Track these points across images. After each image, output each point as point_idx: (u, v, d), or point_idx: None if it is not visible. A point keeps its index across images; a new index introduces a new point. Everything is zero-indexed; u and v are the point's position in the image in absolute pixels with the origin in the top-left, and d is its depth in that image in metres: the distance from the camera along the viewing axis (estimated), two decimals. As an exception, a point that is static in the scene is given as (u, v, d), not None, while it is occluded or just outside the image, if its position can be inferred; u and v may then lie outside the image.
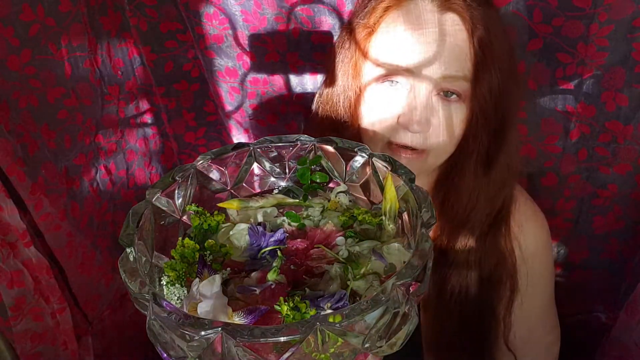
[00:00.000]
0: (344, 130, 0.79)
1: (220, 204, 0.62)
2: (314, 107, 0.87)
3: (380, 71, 0.74)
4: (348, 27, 0.80)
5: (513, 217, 0.85)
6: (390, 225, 0.59)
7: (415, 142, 0.74)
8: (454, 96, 0.73)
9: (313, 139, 0.64)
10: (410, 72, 0.71)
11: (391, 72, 0.73)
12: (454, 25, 0.70)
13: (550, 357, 0.97)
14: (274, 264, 0.53)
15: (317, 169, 0.65)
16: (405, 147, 0.74)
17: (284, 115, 1.05)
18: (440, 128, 0.74)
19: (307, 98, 1.01)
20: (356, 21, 0.77)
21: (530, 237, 0.87)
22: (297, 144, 0.64)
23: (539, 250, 0.89)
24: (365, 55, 0.76)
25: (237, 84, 1.01)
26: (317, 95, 0.87)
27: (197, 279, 0.50)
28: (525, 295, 0.87)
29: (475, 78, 0.72)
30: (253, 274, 0.53)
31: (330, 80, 0.82)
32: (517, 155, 0.82)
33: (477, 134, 0.76)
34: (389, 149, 0.76)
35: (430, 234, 0.85)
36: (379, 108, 0.75)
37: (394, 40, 0.73)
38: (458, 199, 0.81)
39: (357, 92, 0.77)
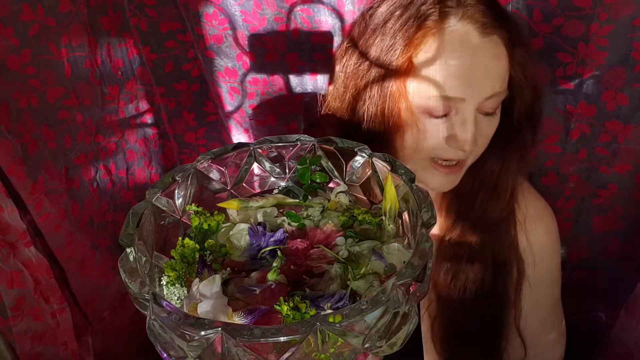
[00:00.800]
0: (370, 142, 0.77)
1: (220, 204, 0.62)
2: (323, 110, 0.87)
3: (423, 102, 0.72)
4: (363, 47, 0.77)
5: (521, 210, 0.87)
6: (390, 225, 0.59)
7: (461, 155, 0.75)
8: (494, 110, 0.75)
9: (313, 139, 0.64)
10: (458, 99, 0.71)
11: (435, 104, 0.71)
12: (498, 46, 0.71)
13: (557, 352, 0.98)
14: (274, 264, 0.53)
15: (317, 169, 0.65)
16: (447, 160, 0.75)
17: (284, 115, 1.05)
18: (481, 139, 0.75)
19: (307, 98, 1.01)
20: (383, 53, 0.73)
21: (541, 231, 0.89)
22: (297, 144, 0.64)
23: (549, 245, 0.90)
24: (402, 85, 0.72)
25: (237, 84, 1.01)
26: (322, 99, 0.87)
27: (197, 279, 0.50)
28: (535, 286, 0.89)
29: (519, 88, 0.75)
30: (253, 274, 0.53)
31: (349, 94, 0.79)
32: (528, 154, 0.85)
33: (519, 134, 0.80)
34: (430, 164, 0.76)
35: (442, 228, 0.86)
36: (424, 135, 0.74)
37: (438, 71, 0.70)
38: (481, 192, 0.83)
39: (393, 116, 0.74)
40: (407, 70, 0.72)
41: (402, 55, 0.71)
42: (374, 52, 0.74)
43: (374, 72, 0.75)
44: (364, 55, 0.76)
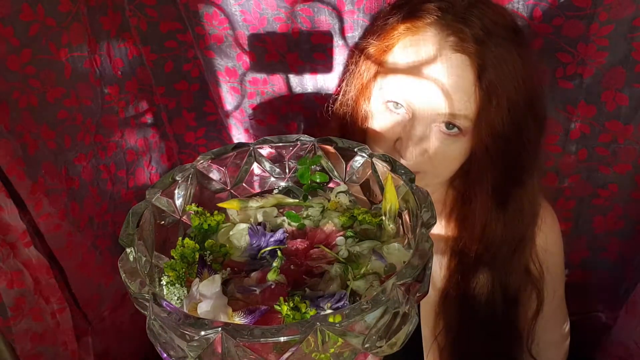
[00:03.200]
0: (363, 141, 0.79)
1: (220, 204, 0.62)
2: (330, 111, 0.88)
3: (387, 93, 0.74)
4: (361, 45, 0.81)
5: (539, 234, 0.85)
6: (390, 225, 0.59)
7: (410, 165, 0.73)
8: (455, 129, 0.72)
9: (313, 139, 0.64)
10: (413, 102, 0.72)
11: (395, 95, 0.73)
12: (464, 66, 0.69)
13: (562, 350, 0.98)
14: (274, 264, 0.53)
15: (317, 169, 0.65)
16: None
17: (284, 115, 1.05)
18: (436, 158, 0.74)
19: (307, 98, 1.01)
20: (371, 40, 0.77)
21: (550, 239, 0.88)
22: (297, 144, 0.65)
23: (555, 248, 0.90)
24: (376, 74, 0.76)
25: (237, 84, 1.01)
26: (331, 103, 0.88)
27: (197, 279, 0.50)
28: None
29: (477, 119, 0.71)
30: (253, 274, 0.53)
31: (343, 93, 0.83)
32: (538, 188, 0.81)
33: (482, 169, 0.75)
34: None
35: (446, 262, 0.84)
36: (381, 128, 0.76)
37: (404, 67, 0.72)
38: (473, 228, 0.81)
39: (365, 108, 0.78)
40: (385, 56, 0.74)
41: (386, 39, 0.74)
42: (370, 42, 0.77)
43: (365, 62, 0.78)
44: (362, 49, 0.79)
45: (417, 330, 0.84)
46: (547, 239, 0.87)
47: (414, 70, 0.71)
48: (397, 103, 0.73)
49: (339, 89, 0.87)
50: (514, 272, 0.84)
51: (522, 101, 0.72)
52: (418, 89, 0.71)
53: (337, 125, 0.86)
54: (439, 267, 0.86)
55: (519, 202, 0.79)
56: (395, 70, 0.73)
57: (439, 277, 0.86)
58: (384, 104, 0.75)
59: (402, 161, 0.73)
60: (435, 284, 0.86)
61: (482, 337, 0.86)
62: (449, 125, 0.72)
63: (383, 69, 0.75)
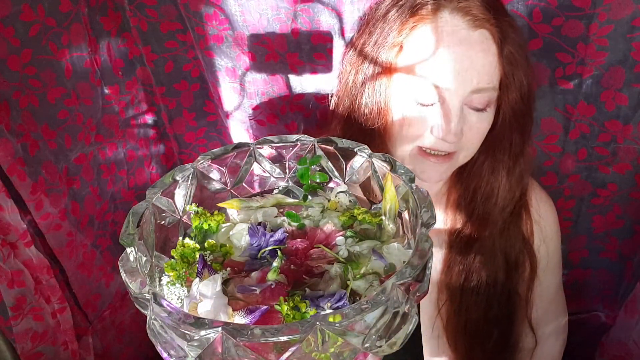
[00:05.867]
0: (371, 139, 0.79)
1: (220, 204, 0.62)
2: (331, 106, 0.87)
3: (411, 88, 0.74)
4: (359, 48, 0.79)
5: (532, 203, 0.88)
6: (390, 225, 0.59)
7: (447, 147, 0.75)
8: (485, 104, 0.75)
9: (313, 139, 0.64)
10: (444, 88, 0.72)
11: (422, 90, 0.73)
12: (486, 40, 0.72)
13: (558, 343, 0.99)
14: (274, 264, 0.53)
15: (317, 169, 0.65)
16: (435, 150, 0.76)
17: (284, 115, 1.05)
18: (471, 134, 0.76)
19: (307, 98, 1.01)
20: (380, 39, 0.76)
21: (548, 220, 0.91)
22: (297, 144, 0.64)
23: (553, 231, 0.92)
24: (393, 72, 0.75)
25: (237, 84, 1.01)
26: (333, 98, 0.87)
27: (198, 279, 0.50)
28: (543, 275, 0.91)
29: (506, 86, 0.74)
30: (253, 274, 0.53)
31: (352, 92, 0.81)
32: (528, 156, 0.85)
33: (507, 134, 0.79)
34: (419, 153, 0.77)
35: (449, 226, 0.86)
36: (410, 123, 0.76)
37: (426, 58, 0.72)
38: (478, 194, 0.84)
39: (385, 107, 0.77)
40: (398, 55, 0.75)
41: (396, 37, 0.74)
42: (373, 40, 0.77)
43: (370, 62, 0.77)
44: (363, 48, 0.79)
45: (417, 330, 0.85)
46: (539, 210, 0.90)
47: (439, 59, 0.72)
48: (428, 104, 0.74)
49: (336, 93, 0.86)
50: (513, 239, 0.87)
51: (527, 61, 0.77)
52: (447, 76, 0.72)
53: (339, 125, 0.85)
54: (440, 243, 0.88)
55: (524, 165, 0.83)
56: (416, 62, 0.74)
57: (441, 253, 0.88)
58: (415, 104, 0.75)
59: (440, 142, 0.74)
60: (437, 259, 0.88)
61: (483, 304, 0.88)
62: (480, 100, 0.74)
63: (400, 68, 0.75)
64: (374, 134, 0.78)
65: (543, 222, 0.90)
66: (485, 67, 0.72)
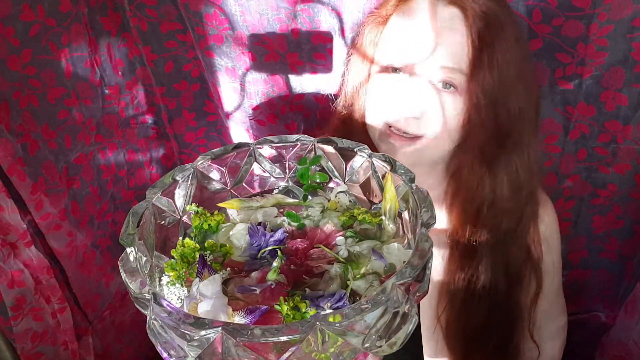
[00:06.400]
0: (351, 114, 0.83)
1: (220, 204, 0.62)
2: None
3: (386, 60, 0.77)
4: (359, 32, 0.83)
5: (541, 218, 0.86)
6: (390, 225, 0.59)
7: (410, 129, 0.76)
8: (451, 88, 0.74)
9: (313, 139, 0.64)
10: (410, 62, 0.74)
11: (394, 62, 0.76)
12: (454, 18, 0.72)
13: (559, 342, 0.99)
14: (274, 264, 0.53)
15: (317, 169, 0.65)
16: (400, 130, 0.76)
17: (284, 115, 1.05)
18: (435, 116, 0.75)
19: (307, 98, 1.01)
20: (369, 13, 0.81)
21: (549, 226, 0.89)
22: (297, 144, 0.65)
23: (553, 235, 0.91)
24: (374, 43, 0.79)
25: (237, 84, 1.01)
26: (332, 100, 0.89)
27: (198, 279, 0.50)
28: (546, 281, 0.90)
29: (470, 73, 0.73)
30: (253, 274, 0.53)
31: (346, 71, 0.85)
32: (531, 161, 0.81)
33: (473, 130, 0.76)
34: (387, 133, 0.78)
35: (451, 231, 0.85)
36: (380, 93, 0.78)
37: (398, 31, 0.76)
38: (463, 194, 0.82)
39: (365, 78, 0.80)
40: (380, 24, 0.78)
41: (379, 12, 0.78)
42: (366, 31, 0.80)
43: (365, 58, 0.80)
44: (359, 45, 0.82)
45: (417, 330, 0.85)
46: (549, 226, 0.89)
47: (409, 29, 0.74)
48: (395, 69, 0.76)
49: (340, 89, 0.87)
50: (516, 252, 0.85)
51: (512, 64, 0.74)
52: (413, 46, 0.73)
53: (338, 121, 0.87)
54: (440, 248, 0.87)
55: (511, 171, 0.79)
56: (392, 35, 0.77)
57: (441, 259, 0.87)
58: (383, 71, 0.77)
59: (403, 120, 0.75)
60: (437, 265, 0.87)
61: (484, 313, 0.87)
62: (446, 84, 0.74)
63: (382, 37, 0.78)
64: (353, 115, 0.82)
65: (550, 236, 0.88)
66: (452, 46, 0.72)
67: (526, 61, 0.78)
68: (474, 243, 0.83)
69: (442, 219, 0.88)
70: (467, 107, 0.75)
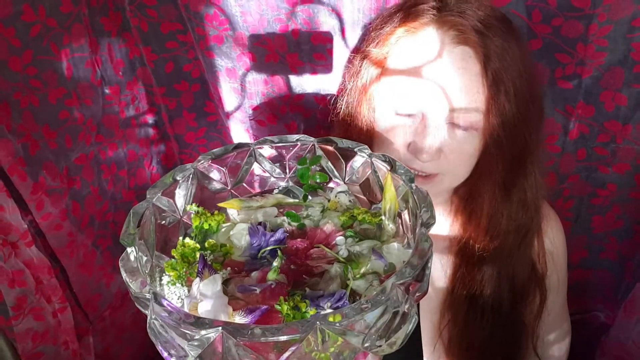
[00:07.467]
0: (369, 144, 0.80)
1: (220, 204, 0.62)
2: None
3: (392, 100, 0.74)
4: (360, 54, 0.81)
5: (546, 233, 0.86)
6: (390, 225, 0.59)
7: (426, 168, 0.74)
8: (468, 125, 0.72)
9: (313, 139, 0.65)
10: (424, 105, 0.71)
11: (402, 102, 0.73)
12: (468, 58, 0.69)
13: (564, 348, 0.99)
14: (274, 264, 0.53)
15: (317, 169, 0.65)
16: (414, 170, 0.75)
17: (284, 115, 1.05)
18: (452, 156, 0.74)
19: (307, 98, 1.01)
20: (368, 49, 0.77)
21: (554, 240, 0.89)
22: (297, 144, 0.65)
23: (558, 250, 0.90)
24: (377, 82, 0.76)
25: (238, 84, 1.01)
26: (331, 104, 0.88)
27: (198, 279, 0.50)
28: (551, 296, 0.89)
29: (487, 110, 0.71)
30: (253, 274, 0.54)
31: (345, 105, 0.83)
32: (539, 179, 0.81)
33: (492, 161, 0.75)
34: None
35: (452, 242, 0.85)
36: (390, 135, 0.75)
37: (406, 70, 0.72)
38: (479, 220, 0.81)
39: (369, 118, 0.77)
40: (382, 63, 0.75)
41: (382, 47, 0.74)
42: (368, 49, 0.78)
43: (363, 70, 0.78)
44: (360, 56, 0.80)
45: (417, 330, 0.85)
46: (554, 241, 0.88)
47: (418, 72, 0.71)
48: (409, 114, 0.73)
49: (339, 95, 0.87)
50: (521, 266, 0.84)
51: (525, 89, 0.73)
52: (426, 91, 0.71)
53: (341, 133, 0.85)
54: (444, 263, 0.86)
55: (522, 192, 0.79)
56: (399, 78, 0.73)
57: (444, 274, 0.86)
58: (394, 114, 0.74)
59: (419, 164, 0.73)
60: (440, 280, 0.86)
61: (488, 330, 0.86)
62: (461, 122, 0.72)
63: (385, 77, 0.75)
64: (371, 144, 0.79)
65: (555, 251, 0.88)
66: (465, 86, 0.69)
67: (534, 78, 0.77)
68: (478, 257, 0.82)
69: (446, 230, 0.87)
70: (485, 142, 0.73)
